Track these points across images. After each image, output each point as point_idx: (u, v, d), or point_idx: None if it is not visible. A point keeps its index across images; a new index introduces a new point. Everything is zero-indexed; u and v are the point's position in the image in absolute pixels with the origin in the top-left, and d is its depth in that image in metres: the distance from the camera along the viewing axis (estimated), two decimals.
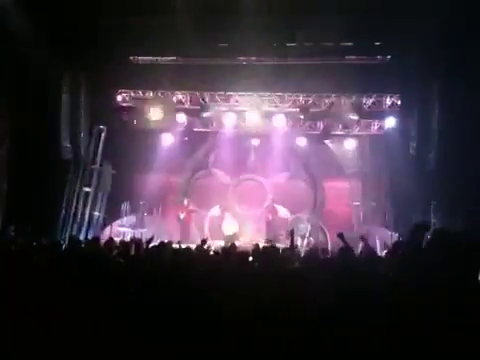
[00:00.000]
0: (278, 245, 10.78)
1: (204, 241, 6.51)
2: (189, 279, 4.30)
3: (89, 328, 3.49)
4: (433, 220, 11.42)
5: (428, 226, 3.22)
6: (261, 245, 7.49)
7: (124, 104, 14.90)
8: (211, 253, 6.41)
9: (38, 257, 5.69)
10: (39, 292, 4.01)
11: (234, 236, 13.63)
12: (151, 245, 6.55)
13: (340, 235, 5.42)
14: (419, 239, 2.97)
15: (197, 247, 6.48)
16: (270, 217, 14.68)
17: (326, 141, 14.96)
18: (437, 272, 2.11)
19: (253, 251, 6.31)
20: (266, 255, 5.57)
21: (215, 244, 11.54)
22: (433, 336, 1.92)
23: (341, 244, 5.25)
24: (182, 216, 14.37)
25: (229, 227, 14.11)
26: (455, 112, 10.82)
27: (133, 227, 14.16)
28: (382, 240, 12.31)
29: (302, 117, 14.44)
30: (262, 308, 3.14)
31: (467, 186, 10.33)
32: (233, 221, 14.36)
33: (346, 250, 4.94)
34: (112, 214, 14.66)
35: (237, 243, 11.38)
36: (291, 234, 6.19)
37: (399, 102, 13.80)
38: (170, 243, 8.54)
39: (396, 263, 3.34)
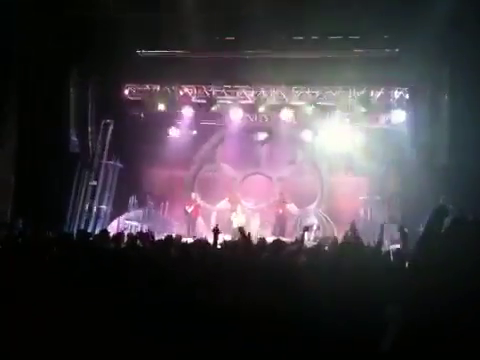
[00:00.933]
0: (285, 239, 10.78)
1: (217, 230, 6.51)
2: (197, 273, 4.31)
3: (98, 322, 3.51)
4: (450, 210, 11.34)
5: (447, 211, 3.17)
6: (268, 239, 7.48)
7: (131, 98, 14.90)
8: (218, 247, 6.41)
9: (47, 250, 5.73)
10: (47, 285, 4.04)
11: (242, 228, 13.60)
12: (158, 239, 6.58)
13: (353, 225, 5.39)
14: (438, 224, 2.94)
15: (203, 240, 6.46)
16: (280, 211, 14.65)
17: (333, 134, 14.87)
18: (455, 258, 2.10)
19: (259, 245, 6.32)
20: (272, 249, 5.57)
21: (224, 238, 11.54)
22: (451, 326, 1.91)
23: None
24: (189, 210, 14.39)
25: (237, 220, 14.12)
26: (465, 105, 10.72)
27: (140, 221, 14.23)
28: (389, 234, 12.26)
29: (310, 110, 14.37)
30: (267, 301, 3.14)
31: (478, 180, 10.25)
32: (242, 214, 14.35)
33: (350, 243, 4.94)
34: (119, 208, 14.72)
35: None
36: (305, 230, 6.08)
37: (407, 95, 13.69)
38: (178, 237, 8.58)
39: (414, 248, 3.30)
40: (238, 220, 14.06)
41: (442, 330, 1.87)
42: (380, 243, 4.89)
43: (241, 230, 5.55)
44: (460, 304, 1.90)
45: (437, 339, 1.86)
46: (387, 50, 12.46)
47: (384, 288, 3.03)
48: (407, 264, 3.39)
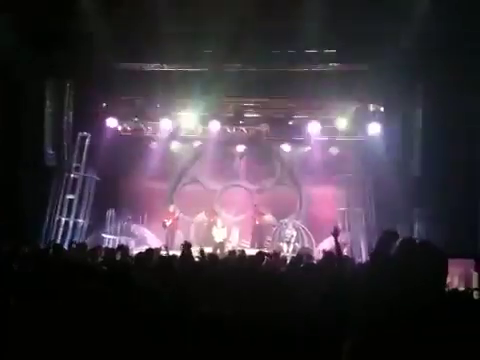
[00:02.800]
0: (263, 251, 10.81)
1: (188, 245, 6.47)
2: (177, 286, 4.30)
3: (76, 335, 3.47)
4: (417, 226, 11.55)
5: (396, 234, 3.27)
6: (248, 252, 7.51)
7: (108, 110, 14.81)
8: (196, 259, 6.40)
9: (22, 265, 5.64)
10: (23, 299, 3.98)
11: (224, 243, 13.62)
12: (137, 252, 6.53)
13: (335, 233, 5.40)
14: (387, 246, 3.02)
15: (183, 253, 6.44)
16: (257, 223, 14.71)
17: (311, 147, 15.05)
18: (404, 279, 2.14)
19: (240, 257, 6.34)
20: (252, 261, 5.60)
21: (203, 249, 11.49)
22: (402, 345, 1.95)
23: (326, 249, 5.28)
24: (168, 223, 14.31)
25: (219, 234, 14.10)
26: (438, 117, 10.97)
27: (118, 234, 14.08)
28: (366, 246, 12.43)
29: (287, 123, 14.52)
30: (247, 313, 3.15)
31: (451, 191, 10.47)
32: (223, 228, 14.33)
33: (330, 255, 4.98)
34: (97, 221, 14.54)
35: (225, 249, 11.39)
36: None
37: (382, 108, 13.94)
38: (157, 250, 8.53)
39: (366, 270, 3.38)
40: (219, 233, 14.04)
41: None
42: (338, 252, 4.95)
43: (222, 244, 5.54)
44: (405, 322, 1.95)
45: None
46: (362, 64, 12.72)
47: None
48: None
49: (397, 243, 2.80)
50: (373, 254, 3.23)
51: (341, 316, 2.91)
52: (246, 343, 2.96)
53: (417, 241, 2.44)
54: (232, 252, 7.96)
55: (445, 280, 2.20)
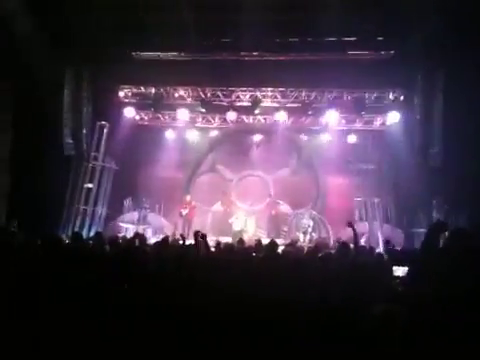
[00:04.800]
0: (280, 241, 10.80)
1: (203, 235, 6.44)
2: (193, 275, 4.30)
3: (92, 325, 3.50)
4: (436, 216, 11.40)
5: (445, 226, 3.18)
6: (263, 240, 7.48)
7: (126, 100, 14.87)
8: (212, 249, 6.40)
9: (40, 253, 5.70)
10: (39, 287, 4.02)
11: (242, 232, 13.65)
12: (154, 241, 6.56)
13: (350, 225, 5.38)
14: (436, 238, 2.95)
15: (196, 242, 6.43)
16: (273, 212, 14.68)
17: (329, 136, 14.93)
18: (455, 272, 2.09)
19: (256, 246, 6.32)
20: (268, 250, 5.58)
21: (220, 240, 11.51)
22: (448, 335, 1.90)
23: (342, 239, 5.23)
24: (184, 212, 14.36)
25: (236, 223, 14.13)
26: (459, 106, 10.77)
27: (136, 223, 14.19)
28: (384, 236, 12.31)
29: (306, 112, 14.40)
30: (264, 302, 3.14)
31: (471, 182, 10.30)
32: (242, 217, 14.35)
33: (346, 245, 4.94)
34: (115, 210, 14.69)
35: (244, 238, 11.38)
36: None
37: (402, 97, 13.74)
38: (174, 239, 8.57)
39: (413, 261, 3.31)
40: (238, 223, 14.07)
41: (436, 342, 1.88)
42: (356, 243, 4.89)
43: (240, 233, 5.54)
44: (456, 317, 1.90)
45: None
46: (382, 52, 12.51)
47: (378, 294, 3.04)
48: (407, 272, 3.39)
49: (446, 234, 2.75)
50: (423, 245, 3.15)
51: (361, 304, 2.87)
52: (261, 331, 2.95)
53: (467, 230, 2.38)
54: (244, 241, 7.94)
55: None
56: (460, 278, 2.04)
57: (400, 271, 3.92)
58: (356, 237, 5.09)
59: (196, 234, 5.82)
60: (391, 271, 4.00)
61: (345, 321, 2.78)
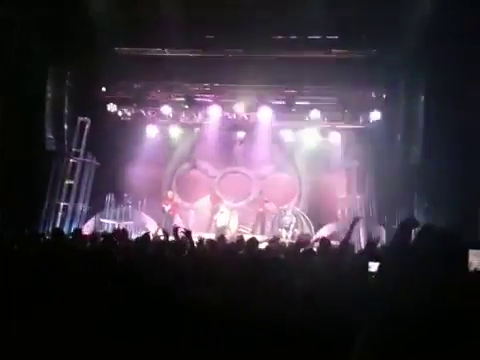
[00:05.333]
0: (263, 237, 10.85)
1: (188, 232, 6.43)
2: (174, 270, 4.29)
3: (75, 323, 3.47)
4: (416, 213, 11.53)
5: (416, 223, 3.20)
6: (246, 237, 7.50)
7: (108, 96, 14.74)
8: (195, 245, 6.38)
9: (21, 248, 5.65)
10: (22, 284, 3.98)
11: (225, 228, 13.67)
12: (135, 237, 6.53)
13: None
14: (406, 235, 2.97)
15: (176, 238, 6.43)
16: (261, 210, 14.74)
17: (312, 134, 15.00)
18: (424, 269, 2.09)
19: (238, 243, 6.33)
20: (250, 246, 5.60)
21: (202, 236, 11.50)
22: (419, 332, 1.90)
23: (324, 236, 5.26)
24: (167, 208, 14.31)
25: (221, 219, 14.15)
26: (441, 105, 10.90)
27: (117, 219, 14.10)
28: (366, 233, 12.44)
29: (289, 110, 14.45)
30: (246, 297, 3.14)
31: (452, 179, 10.44)
32: (226, 213, 14.37)
33: (326, 242, 4.97)
34: (96, 206, 14.56)
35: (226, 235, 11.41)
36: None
37: (384, 96, 13.86)
38: (156, 235, 8.55)
39: (383, 258, 3.34)
40: (222, 219, 14.09)
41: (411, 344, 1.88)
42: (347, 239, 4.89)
43: (224, 229, 5.55)
44: (423, 316, 1.91)
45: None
46: (364, 51, 12.60)
47: (356, 292, 3.05)
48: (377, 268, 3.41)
49: (416, 231, 2.77)
50: (393, 243, 3.17)
51: (344, 303, 2.89)
52: (244, 330, 2.96)
53: (436, 228, 2.38)
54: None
55: (466, 267, 2.15)
56: (421, 279, 2.05)
57: (374, 267, 3.95)
58: (349, 234, 5.09)
59: (175, 230, 5.81)
60: (366, 268, 4.01)
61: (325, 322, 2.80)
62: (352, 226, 5.30)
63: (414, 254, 2.30)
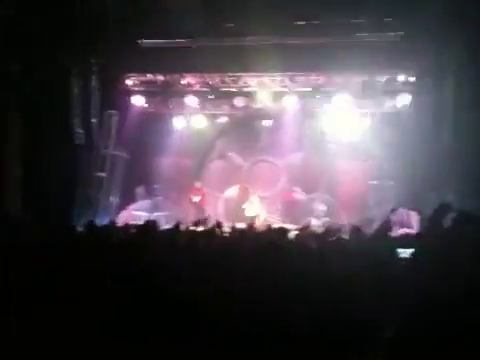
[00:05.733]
0: (293, 226, 10.80)
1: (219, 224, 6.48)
2: (207, 261, 4.32)
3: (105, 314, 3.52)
4: (451, 199, 11.29)
5: (449, 208, 3.13)
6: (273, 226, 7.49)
7: (134, 88, 14.87)
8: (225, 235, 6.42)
9: (54, 242, 5.75)
10: (56, 277, 4.06)
11: (255, 218, 13.69)
12: (164, 228, 6.59)
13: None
14: (441, 221, 2.90)
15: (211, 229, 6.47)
16: (288, 199, 14.68)
17: (339, 120, 14.79)
18: (457, 254, 2.03)
19: (266, 232, 6.33)
20: (279, 235, 5.58)
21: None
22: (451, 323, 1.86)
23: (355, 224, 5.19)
24: (196, 199, 14.40)
25: (250, 209, 14.17)
26: (471, 86, 10.61)
27: (148, 211, 14.27)
28: (398, 219, 12.23)
29: (315, 96, 14.29)
30: (274, 287, 3.14)
31: None
32: (256, 203, 14.38)
33: (358, 230, 4.91)
34: (127, 199, 14.77)
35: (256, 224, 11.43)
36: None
37: (413, 79, 13.55)
38: (185, 226, 8.61)
39: (416, 243, 3.28)
40: (251, 209, 14.10)
41: (442, 326, 1.82)
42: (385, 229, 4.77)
43: (254, 219, 5.55)
44: (460, 303, 1.85)
45: (437, 335, 1.81)
46: (391, 34, 12.32)
47: (381, 280, 3.01)
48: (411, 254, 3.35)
49: (450, 216, 2.70)
50: (428, 228, 3.11)
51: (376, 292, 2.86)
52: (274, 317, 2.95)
53: (473, 215, 2.32)
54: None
55: None
56: (456, 265, 1.98)
57: (407, 253, 3.86)
58: (387, 224, 4.97)
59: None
60: (396, 255, 3.91)
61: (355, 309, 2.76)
62: (390, 216, 5.22)
63: (449, 239, 2.25)
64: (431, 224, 2.95)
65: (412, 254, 3.20)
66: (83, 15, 11.53)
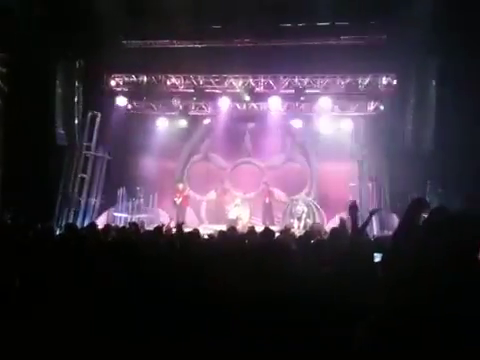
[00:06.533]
0: (274, 228, 10.79)
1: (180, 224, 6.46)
2: (186, 262, 4.30)
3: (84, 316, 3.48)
4: (429, 199, 11.42)
5: (426, 203, 3.12)
6: (257, 228, 7.49)
7: (118, 89, 14.76)
8: (205, 237, 6.40)
9: (33, 242, 5.68)
10: (32, 278, 4.01)
11: (237, 220, 13.67)
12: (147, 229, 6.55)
13: (351, 207, 5.22)
14: (416, 214, 2.90)
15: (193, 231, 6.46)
16: (267, 200, 14.69)
17: (322, 122, 14.87)
18: (434, 250, 2.01)
19: (248, 234, 6.32)
20: (262, 237, 5.58)
21: (214, 229, 11.51)
22: (428, 315, 1.85)
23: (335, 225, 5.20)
24: (178, 201, 14.34)
25: (232, 211, 14.16)
26: (452, 90, 10.76)
27: (130, 213, 14.17)
28: (378, 220, 12.35)
29: (299, 98, 14.34)
30: (257, 289, 3.13)
31: (464, 165, 10.33)
32: (236, 205, 14.36)
33: (338, 231, 4.92)
34: (108, 200, 14.64)
35: (238, 227, 11.42)
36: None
37: (395, 82, 13.69)
38: (168, 228, 8.58)
39: (390, 240, 3.28)
40: (234, 211, 14.09)
41: (415, 324, 1.81)
42: (363, 229, 4.76)
43: (235, 221, 5.52)
44: (433, 301, 1.84)
45: (410, 333, 1.81)
46: (375, 37, 12.45)
47: (360, 280, 3.02)
48: (381, 256, 3.35)
49: (427, 212, 2.69)
50: (403, 219, 3.08)
51: (354, 293, 2.86)
52: (253, 320, 2.95)
53: (450, 210, 2.30)
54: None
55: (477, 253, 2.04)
56: (437, 258, 1.96)
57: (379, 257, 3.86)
58: (355, 222, 4.99)
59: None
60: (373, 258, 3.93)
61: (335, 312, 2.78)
62: (370, 217, 5.21)
63: (423, 232, 2.24)
64: (407, 215, 2.96)
65: (390, 245, 3.19)
66: (68, 14, 11.44)
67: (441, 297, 1.81)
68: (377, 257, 3.72)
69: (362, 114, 14.72)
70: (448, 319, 1.76)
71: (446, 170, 10.91)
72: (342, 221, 5.58)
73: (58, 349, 3.25)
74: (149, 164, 15.21)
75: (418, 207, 3.00)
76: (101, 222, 11.79)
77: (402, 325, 1.81)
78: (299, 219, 13.82)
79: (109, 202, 14.58)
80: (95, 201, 14.42)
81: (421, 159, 11.96)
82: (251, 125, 15.83)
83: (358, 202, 13.96)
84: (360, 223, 4.50)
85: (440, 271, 1.91)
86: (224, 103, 14.53)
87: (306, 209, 14.06)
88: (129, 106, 15.22)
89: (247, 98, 14.36)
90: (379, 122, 14.10)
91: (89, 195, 14.32)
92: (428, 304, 1.82)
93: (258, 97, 14.64)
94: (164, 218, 14.26)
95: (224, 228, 10.15)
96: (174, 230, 7.44)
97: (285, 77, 14.15)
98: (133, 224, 8.35)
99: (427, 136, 12.07)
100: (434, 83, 11.96)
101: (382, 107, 14.01)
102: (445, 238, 2.00)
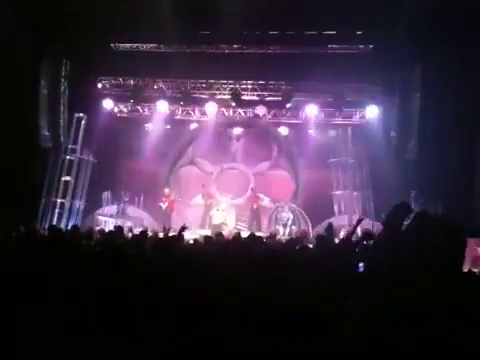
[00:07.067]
0: (260, 234, 10.80)
1: (184, 228, 6.42)
2: (171, 267, 4.28)
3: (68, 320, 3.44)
4: (414, 209, 11.55)
5: (409, 208, 3.11)
6: (243, 234, 7.49)
7: (104, 92, 14.69)
8: (190, 242, 6.38)
9: (16, 245, 5.62)
10: (16, 281, 3.95)
11: (222, 225, 13.64)
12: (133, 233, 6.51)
13: (360, 220, 5.31)
14: (399, 219, 2.90)
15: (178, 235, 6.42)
16: (255, 206, 14.68)
17: (308, 130, 14.97)
18: (417, 256, 2.02)
19: (234, 239, 6.32)
20: (248, 243, 5.59)
21: (199, 233, 11.46)
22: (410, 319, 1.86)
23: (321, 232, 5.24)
24: (164, 205, 14.27)
25: (217, 216, 14.12)
26: (436, 101, 10.92)
27: (114, 216, 14.06)
28: (363, 229, 12.41)
29: (285, 105, 14.42)
30: (241, 293, 3.13)
31: (447, 175, 10.47)
32: (221, 211, 14.33)
33: (324, 238, 4.95)
34: (93, 203, 14.52)
35: (223, 232, 11.39)
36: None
37: (381, 91, 13.84)
38: (154, 232, 8.52)
39: (372, 245, 3.30)
40: (217, 216, 14.05)
41: (398, 327, 1.83)
42: (349, 237, 4.82)
43: (220, 226, 5.52)
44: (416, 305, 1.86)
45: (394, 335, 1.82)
46: (361, 46, 12.60)
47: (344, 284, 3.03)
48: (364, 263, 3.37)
49: (410, 217, 2.69)
50: (384, 226, 3.08)
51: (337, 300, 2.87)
52: (241, 322, 2.94)
53: (433, 215, 2.31)
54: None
55: (462, 259, 2.04)
56: (422, 262, 1.98)
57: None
58: (353, 232, 5.01)
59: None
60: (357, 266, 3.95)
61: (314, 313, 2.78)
62: (356, 225, 5.26)
63: (406, 236, 2.24)
64: (389, 219, 2.96)
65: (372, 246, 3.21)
66: (55, 15, 11.36)
67: (418, 308, 1.83)
68: (361, 266, 3.75)
69: (348, 122, 14.84)
70: (425, 327, 1.78)
71: (429, 179, 11.06)
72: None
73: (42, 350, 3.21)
74: (135, 168, 15.11)
75: (400, 212, 3.00)
76: (85, 225, 11.70)
77: (384, 333, 1.82)
78: (284, 226, 13.84)
79: (94, 205, 14.46)
80: (79, 204, 14.30)
81: (405, 169, 12.11)
82: (238, 131, 15.84)
83: (343, 210, 14.19)
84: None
85: (418, 279, 1.92)
86: (211, 108, 14.54)
87: (291, 216, 14.09)
88: (115, 109, 15.15)
89: (234, 104, 14.40)
90: (364, 131, 14.23)
91: (73, 198, 14.21)
92: (407, 312, 1.84)
93: (245, 103, 14.70)
94: (148, 222, 14.15)
95: (208, 233, 10.18)
96: (161, 234, 7.41)
97: (272, 84, 14.24)
98: (118, 227, 8.28)
99: (411, 146, 12.23)
100: (418, 94, 12.14)
101: (368, 116, 14.15)
102: (426, 244, 2.01)
